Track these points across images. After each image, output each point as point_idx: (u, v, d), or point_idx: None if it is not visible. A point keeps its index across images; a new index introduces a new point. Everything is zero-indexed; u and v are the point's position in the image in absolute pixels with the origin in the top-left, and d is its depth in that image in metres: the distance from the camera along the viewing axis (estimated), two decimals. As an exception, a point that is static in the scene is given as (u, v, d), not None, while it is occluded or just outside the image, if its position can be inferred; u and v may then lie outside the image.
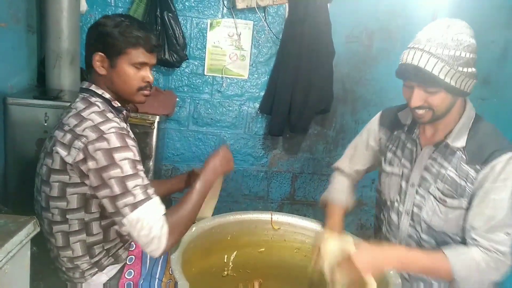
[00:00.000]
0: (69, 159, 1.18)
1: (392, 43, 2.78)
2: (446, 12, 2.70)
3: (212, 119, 2.77)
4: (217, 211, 1.64)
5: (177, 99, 2.67)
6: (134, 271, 1.36)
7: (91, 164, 1.15)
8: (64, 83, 2.19)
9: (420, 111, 1.23)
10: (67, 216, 1.25)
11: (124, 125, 1.28)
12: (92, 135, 1.16)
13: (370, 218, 3.12)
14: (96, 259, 1.31)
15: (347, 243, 1.27)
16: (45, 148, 1.30)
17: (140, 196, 1.15)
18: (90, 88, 1.30)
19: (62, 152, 1.19)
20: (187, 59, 2.60)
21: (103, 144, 1.15)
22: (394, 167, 1.42)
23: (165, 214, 1.19)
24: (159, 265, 1.42)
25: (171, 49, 2.47)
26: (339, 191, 1.58)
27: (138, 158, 1.21)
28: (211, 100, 2.74)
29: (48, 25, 2.15)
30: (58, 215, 1.25)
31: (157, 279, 1.40)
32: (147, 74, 1.31)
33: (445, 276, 1.20)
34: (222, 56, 2.66)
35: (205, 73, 2.68)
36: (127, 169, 1.16)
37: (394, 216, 1.43)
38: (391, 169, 1.43)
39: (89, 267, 1.31)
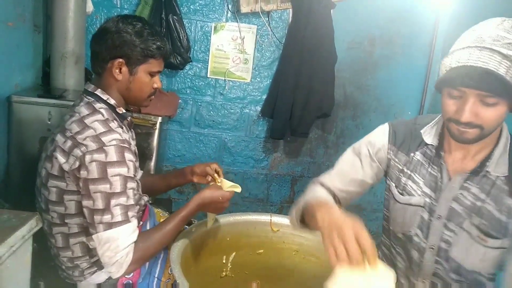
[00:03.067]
0: (66, 167, 1.18)
1: (393, 50, 2.80)
2: (448, 20, 2.72)
3: (214, 121, 2.79)
4: (217, 212, 1.65)
5: (180, 100, 2.69)
6: (133, 270, 1.37)
7: (83, 173, 1.16)
8: (68, 83, 2.21)
9: (464, 128, 1.00)
10: (66, 220, 1.26)
11: (126, 136, 1.28)
12: (92, 145, 1.16)
13: (369, 223, 3.13)
14: (96, 258, 1.32)
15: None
16: (46, 150, 1.30)
17: (118, 217, 1.17)
18: (95, 92, 1.29)
19: (61, 159, 1.19)
20: (191, 61, 2.62)
21: (101, 157, 1.16)
22: (413, 196, 1.18)
23: (135, 241, 1.20)
24: (158, 265, 1.43)
25: (175, 52, 2.50)
26: (318, 193, 1.27)
27: (132, 174, 1.22)
28: (213, 102, 2.76)
29: (54, 25, 2.17)
30: (57, 218, 1.26)
31: (156, 278, 1.41)
32: (158, 80, 1.36)
33: None
34: (225, 59, 2.68)
35: (208, 76, 2.70)
36: (116, 186, 1.17)
37: (414, 253, 1.22)
38: (409, 199, 1.19)
39: (88, 266, 1.32)
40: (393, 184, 1.24)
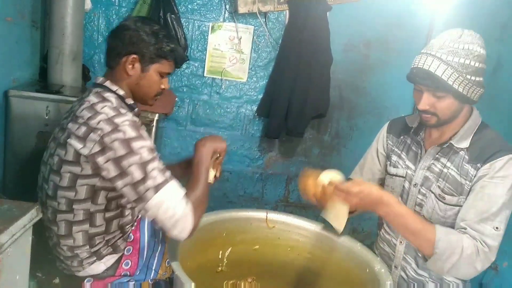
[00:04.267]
0: (84, 151, 1.19)
1: (388, 53, 2.84)
2: (442, 25, 2.77)
3: (210, 120, 2.81)
4: (212, 209, 1.67)
5: (176, 99, 2.70)
6: (131, 262, 1.38)
7: (109, 154, 1.18)
8: (66, 79, 2.21)
9: (427, 115, 1.29)
10: (73, 206, 1.27)
11: (136, 119, 1.31)
12: (107, 128, 1.19)
13: (362, 223, 3.16)
14: (96, 248, 1.33)
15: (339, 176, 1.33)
16: (56, 139, 1.31)
17: (158, 179, 1.19)
18: (104, 84, 1.34)
19: (77, 145, 1.20)
20: (188, 60, 2.64)
21: (119, 135, 1.18)
22: (398, 169, 1.46)
23: (185, 193, 1.24)
24: (156, 257, 1.44)
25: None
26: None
27: (153, 146, 1.25)
28: (209, 101, 2.78)
29: (52, 22, 2.18)
30: (64, 204, 1.27)
31: (153, 271, 1.42)
32: (167, 82, 1.42)
33: (426, 246, 1.22)
34: (222, 59, 2.71)
35: (205, 75, 2.72)
36: (145, 155, 1.19)
37: None
38: (396, 171, 1.47)
39: (88, 256, 1.33)
40: (388, 162, 1.53)
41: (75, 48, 2.23)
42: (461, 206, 1.28)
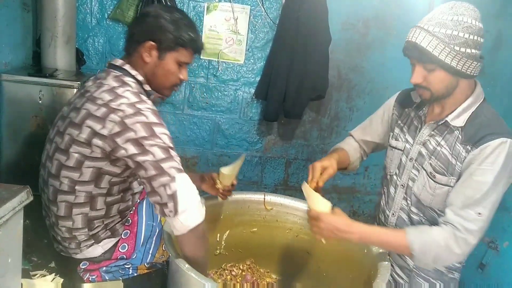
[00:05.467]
0: (104, 132, 1.17)
1: (387, 32, 2.79)
2: (442, 2, 2.71)
3: (207, 103, 2.77)
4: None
5: (173, 82, 2.66)
6: (128, 245, 1.38)
7: (130, 135, 1.15)
8: (59, 63, 2.18)
9: (420, 90, 1.28)
10: (76, 187, 1.25)
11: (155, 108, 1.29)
12: (129, 110, 1.17)
13: (362, 205, 3.15)
14: (94, 232, 1.32)
15: (324, 204, 1.28)
16: (65, 118, 1.28)
17: (179, 165, 1.19)
18: (123, 67, 1.31)
19: (96, 125, 1.18)
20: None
21: (142, 118, 1.17)
22: (398, 142, 1.46)
23: None
24: (153, 241, 1.43)
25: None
26: (346, 144, 1.65)
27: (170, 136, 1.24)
28: (206, 84, 2.74)
29: (44, 4, 2.13)
30: (66, 185, 1.25)
31: (150, 254, 1.42)
32: (185, 73, 1.38)
33: (404, 251, 1.27)
34: (218, 40, 2.66)
35: (201, 57, 2.67)
36: (167, 142, 1.19)
37: (392, 189, 1.47)
38: (396, 143, 1.47)
39: (86, 238, 1.32)
40: (391, 134, 1.52)
41: (68, 30, 2.19)
42: (450, 186, 1.27)
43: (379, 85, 2.88)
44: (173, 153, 1.19)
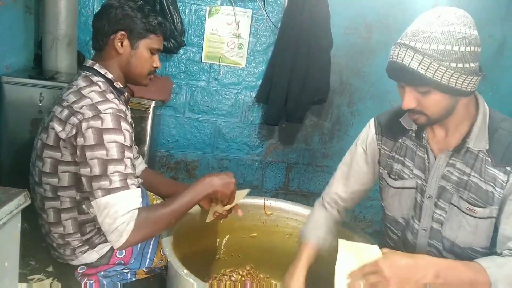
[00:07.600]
0: (62, 135, 1.18)
1: (390, 36, 2.77)
2: (446, 5, 2.70)
3: (208, 107, 2.76)
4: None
5: (174, 85, 2.66)
6: (125, 251, 1.36)
7: (79, 140, 1.15)
8: (60, 65, 2.18)
9: (414, 115, 1.10)
10: (58, 193, 1.25)
11: (123, 107, 1.27)
12: (89, 113, 1.16)
13: (363, 211, 3.13)
14: (88, 236, 1.31)
15: (373, 249, 1.03)
16: (43, 123, 1.30)
17: (116, 183, 1.13)
18: (93, 67, 1.30)
19: (58, 128, 1.19)
20: (185, 45, 2.59)
21: (97, 123, 1.15)
22: (406, 180, 1.23)
23: (139, 208, 1.15)
24: (151, 245, 1.42)
25: (169, 35, 2.46)
26: (315, 225, 1.37)
27: (128, 143, 1.20)
28: (207, 87, 2.74)
29: (46, 6, 2.13)
30: (49, 191, 1.25)
31: (148, 259, 1.40)
32: (158, 60, 1.38)
33: None
34: (220, 44, 2.65)
35: (203, 60, 2.67)
36: (113, 152, 1.15)
37: (409, 235, 1.26)
38: (402, 183, 1.24)
39: (80, 244, 1.30)
40: (385, 171, 1.29)
41: (70, 33, 2.19)
42: (494, 217, 1.09)
43: (381, 90, 2.87)
44: (111, 168, 1.13)
